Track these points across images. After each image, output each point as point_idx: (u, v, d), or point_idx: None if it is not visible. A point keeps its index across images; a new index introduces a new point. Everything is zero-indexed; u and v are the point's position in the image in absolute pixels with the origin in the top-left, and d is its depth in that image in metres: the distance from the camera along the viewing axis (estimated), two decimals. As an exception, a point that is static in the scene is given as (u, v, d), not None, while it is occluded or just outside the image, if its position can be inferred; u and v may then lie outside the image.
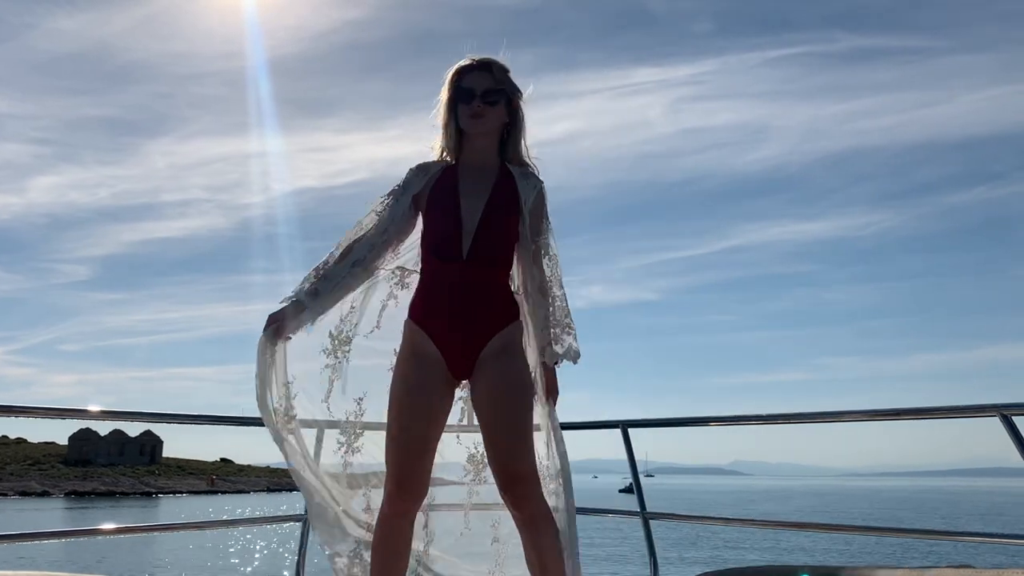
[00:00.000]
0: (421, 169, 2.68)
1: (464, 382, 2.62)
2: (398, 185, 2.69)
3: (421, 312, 2.56)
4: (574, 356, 2.70)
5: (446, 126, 2.65)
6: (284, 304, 2.64)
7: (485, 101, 2.58)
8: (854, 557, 26.77)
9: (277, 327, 2.62)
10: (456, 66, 2.65)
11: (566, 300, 2.73)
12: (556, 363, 2.70)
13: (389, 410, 2.52)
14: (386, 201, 2.68)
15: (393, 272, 2.80)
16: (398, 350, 2.61)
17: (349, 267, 2.67)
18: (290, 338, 2.67)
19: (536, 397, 2.62)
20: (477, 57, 2.64)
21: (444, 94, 2.65)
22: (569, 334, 2.70)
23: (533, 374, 2.65)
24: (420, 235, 2.68)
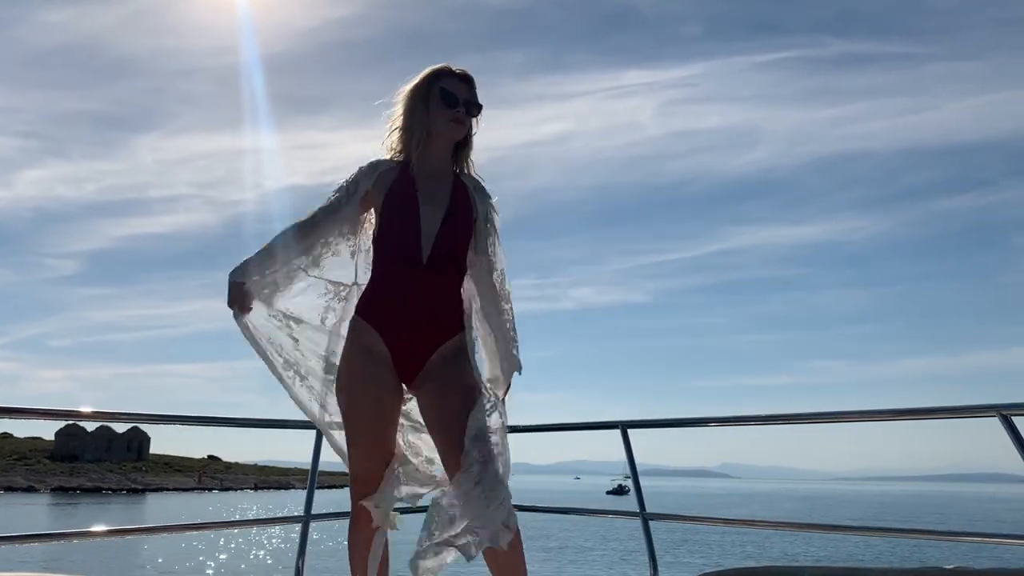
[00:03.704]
0: (372, 167, 2.69)
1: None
2: (348, 181, 2.69)
3: (374, 313, 2.57)
4: (520, 368, 2.76)
5: (414, 126, 2.64)
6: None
7: (468, 112, 2.65)
8: (851, 558, 26.87)
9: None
10: (433, 69, 2.67)
11: (513, 314, 2.78)
12: (518, 372, 2.75)
13: (346, 409, 2.57)
14: (337, 196, 2.69)
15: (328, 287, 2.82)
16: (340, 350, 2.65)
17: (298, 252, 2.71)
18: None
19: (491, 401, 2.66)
20: (456, 67, 2.68)
21: (413, 92, 2.66)
22: (517, 348, 2.76)
23: (486, 383, 2.70)
24: (373, 235, 2.69)
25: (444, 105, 2.61)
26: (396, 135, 2.70)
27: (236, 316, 2.67)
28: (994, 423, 2.74)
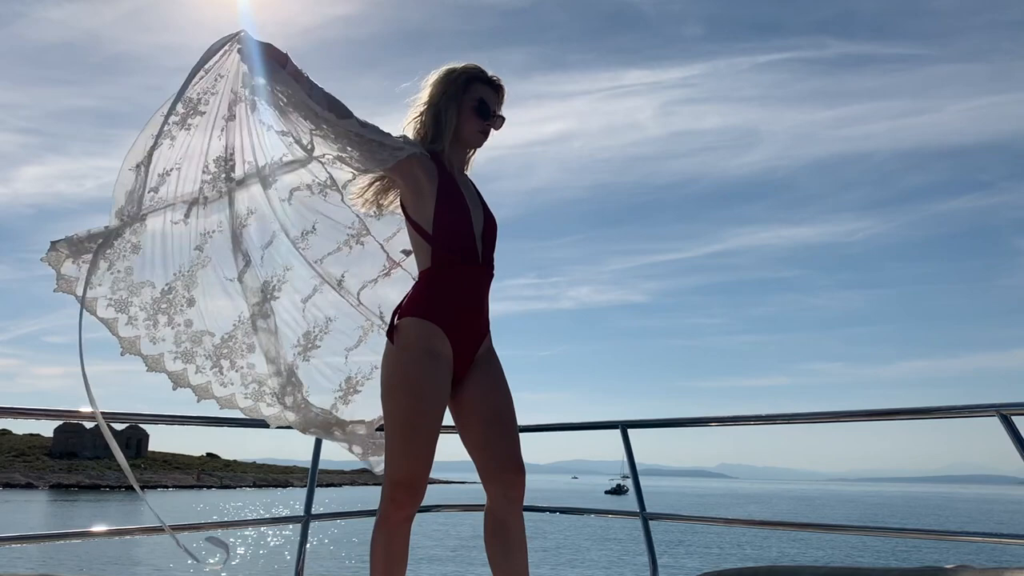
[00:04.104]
0: (415, 143, 2.56)
1: None
2: (394, 137, 2.51)
3: (441, 313, 2.49)
4: None
5: (447, 122, 2.57)
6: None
7: (495, 125, 2.65)
8: (850, 558, 26.87)
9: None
10: (470, 68, 2.61)
11: None
12: None
13: (406, 412, 2.41)
14: (379, 129, 2.49)
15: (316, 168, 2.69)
16: (405, 340, 2.45)
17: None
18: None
19: None
20: (491, 73, 2.64)
21: (446, 86, 2.58)
22: None
23: None
24: (421, 224, 2.52)
25: (476, 115, 2.59)
26: (416, 124, 2.62)
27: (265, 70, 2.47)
28: (993, 423, 2.75)
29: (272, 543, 31.69)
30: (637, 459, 3.63)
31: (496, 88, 2.65)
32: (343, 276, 2.83)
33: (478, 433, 2.57)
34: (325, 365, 2.85)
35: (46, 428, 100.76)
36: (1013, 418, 2.71)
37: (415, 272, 2.68)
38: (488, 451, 2.55)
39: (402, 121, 2.65)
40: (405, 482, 2.40)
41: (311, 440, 3.35)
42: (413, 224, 2.55)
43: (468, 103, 2.58)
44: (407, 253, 2.79)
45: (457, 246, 2.52)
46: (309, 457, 3.42)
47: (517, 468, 2.53)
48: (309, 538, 3.31)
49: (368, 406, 2.84)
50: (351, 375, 2.86)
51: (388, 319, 2.67)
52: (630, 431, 3.65)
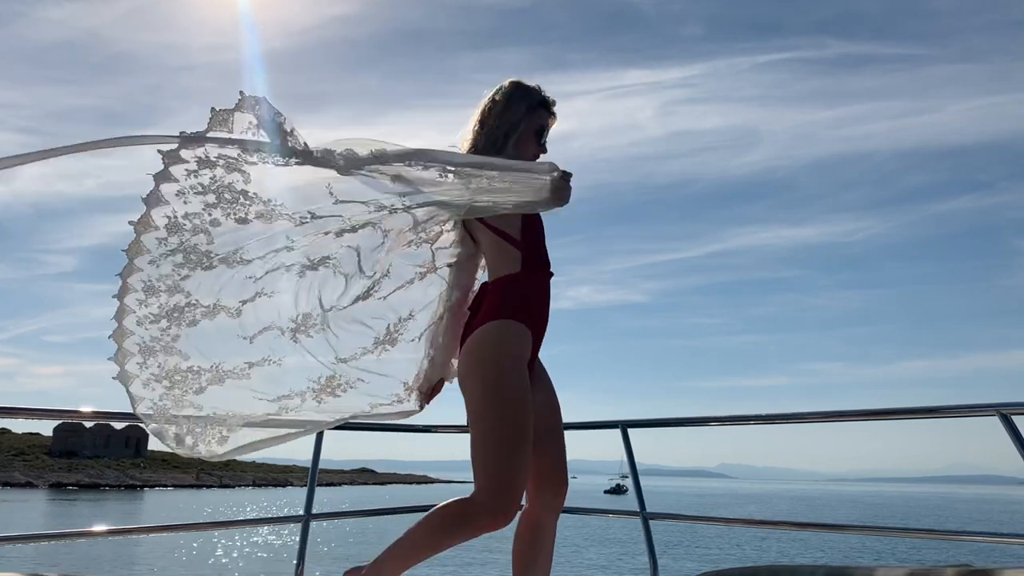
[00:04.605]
0: None
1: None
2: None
3: (530, 314, 2.51)
4: None
5: (508, 136, 2.57)
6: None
7: (543, 151, 2.67)
8: (849, 558, 26.88)
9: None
10: (542, 92, 2.64)
11: None
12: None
13: (511, 419, 2.35)
14: None
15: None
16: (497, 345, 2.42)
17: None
18: None
19: None
20: (552, 98, 2.66)
21: (521, 104, 2.59)
22: None
23: None
24: (507, 235, 2.54)
25: (535, 140, 2.63)
26: (478, 130, 2.60)
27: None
28: (993, 423, 2.75)
29: (272, 543, 31.70)
30: (637, 459, 3.63)
31: (552, 115, 2.67)
32: (389, 269, 2.66)
33: (543, 445, 2.56)
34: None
35: (45, 427, 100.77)
36: (1013, 418, 2.71)
37: (447, 279, 2.70)
38: (538, 460, 2.54)
39: (469, 122, 2.62)
40: (505, 506, 2.30)
41: (311, 440, 3.35)
42: (496, 232, 2.54)
43: (532, 126, 2.61)
44: (449, 265, 2.73)
45: (541, 251, 2.59)
46: (309, 457, 3.41)
47: (562, 479, 2.58)
48: (309, 538, 3.31)
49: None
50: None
51: (403, 320, 2.68)
52: (630, 431, 3.65)
